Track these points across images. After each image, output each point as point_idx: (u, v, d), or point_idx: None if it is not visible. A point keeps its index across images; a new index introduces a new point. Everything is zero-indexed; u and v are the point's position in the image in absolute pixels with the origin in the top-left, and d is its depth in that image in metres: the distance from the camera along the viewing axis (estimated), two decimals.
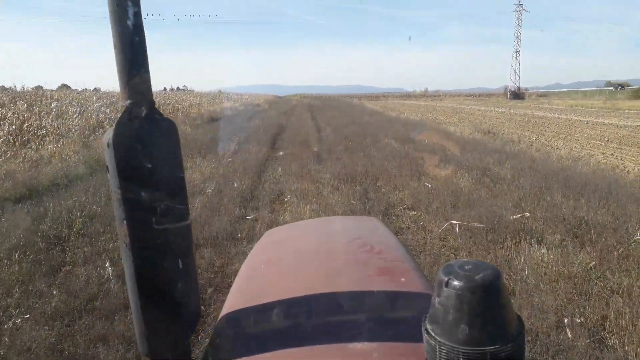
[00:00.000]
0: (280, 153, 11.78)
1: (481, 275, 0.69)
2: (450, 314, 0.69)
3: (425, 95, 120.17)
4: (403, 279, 1.25)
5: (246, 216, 6.40)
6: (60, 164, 9.09)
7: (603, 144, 12.99)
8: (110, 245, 4.84)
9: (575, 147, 12.41)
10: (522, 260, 4.34)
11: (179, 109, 24.25)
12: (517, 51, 72.53)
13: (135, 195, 0.76)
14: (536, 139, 14.18)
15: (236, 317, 1.17)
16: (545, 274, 4.05)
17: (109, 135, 0.74)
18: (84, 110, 15.21)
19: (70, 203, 6.33)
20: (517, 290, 3.74)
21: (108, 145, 0.74)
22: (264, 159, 11.05)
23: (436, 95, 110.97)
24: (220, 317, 1.21)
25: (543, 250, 4.51)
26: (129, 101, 0.75)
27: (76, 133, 12.76)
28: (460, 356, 0.68)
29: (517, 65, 71.38)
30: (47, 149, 10.34)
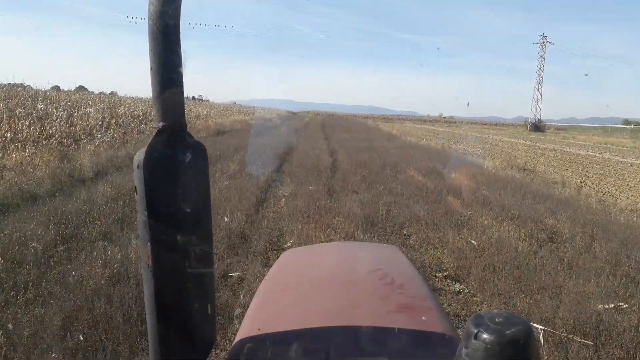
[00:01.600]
0: (283, 193, 10.07)
1: (512, 330, 0.65)
2: None
3: (440, 120, 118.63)
4: (424, 318, 1.19)
5: (230, 272, 4.73)
6: (17, 178, 7.48)
7: None
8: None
9: (632, 195, 10.56)
10: None
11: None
12: (539, 83, 70.45)
13: (161, 217, 0.74)
14: (581, 182, 12.36)
15: (250, 345, 1.13)
16: None
17: (140, 156, 0.73)
18: (71, 115, 13.71)
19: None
20: None
21: (138, 167, 0.73)
22: (266, 185, 9.37)
23: (451, 122, 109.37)
24: (234, 342, 1.17)
25: None
26: (161, 123, 0.73)
27: (57, 140, 11.24)
28: None
29: (539, 97, 69.38)
30: (12, 157, 8.75)
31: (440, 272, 5.04)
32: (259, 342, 1.13)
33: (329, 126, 37.90)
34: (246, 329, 1.22)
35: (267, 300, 1.43)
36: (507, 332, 0.65)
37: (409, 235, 6.36)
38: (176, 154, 0.75)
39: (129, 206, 6.66)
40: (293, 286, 1.52)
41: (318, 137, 21.93)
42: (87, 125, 13.43)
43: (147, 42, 0.72)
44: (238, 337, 1.18)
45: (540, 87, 69.75)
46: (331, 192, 8.65)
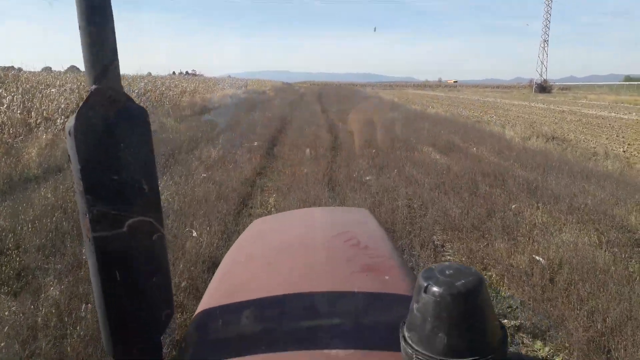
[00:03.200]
0: (273, 186, 8.33)
1: (462, 281, 0.64)
2: (428, 322, 0.65)
3: (440, 85, 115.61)
4: (387, 277, 1.20)
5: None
6: None
7: None
8: None
9: None
10: None
11: (167, 97, 20.75)
12: (545, 41, 66.72)
13: (99, 187, 0.71)
14: (625, 151, 10.58)
15: (210, 316, 1.11)
16: None
17: (70, 122, 0.68)
18: (31, 98, 11.82)
19: None
20: None
21: (69, 133, 0.68)
22: (252, 176, 7.63)
23: (452, 86, 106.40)
24: (195, 314, 1.16)
25: None
26: (94, 86, 0.69)
27: (7, 130, 9.43)
28: None
29: (545, 56, 65.97)
30: None
31: (507, 318, 3.36)
32: (219, 313, 1.11)
33: (326, 96, 35.72)
34: (207, 300, 1.20)
35: (230, 272, 1.40)
36: (457, 283, 0.64)
37: (442, 247, 4.67)
38: (111, 118, 0.72)
39: (71, 220, 4.91)
40: (259, 255, 1.49)
41: (315, 111, 19.98)
42: (48, 109, 11.56)
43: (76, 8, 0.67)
44: (199, 309, 1.15)
45: (546, 45, 66.39)
46: (333, 183, 6.90)
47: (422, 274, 0.67)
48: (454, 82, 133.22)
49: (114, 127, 0.72)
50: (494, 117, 18.22)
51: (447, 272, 0.66)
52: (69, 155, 0.69)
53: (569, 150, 10.44)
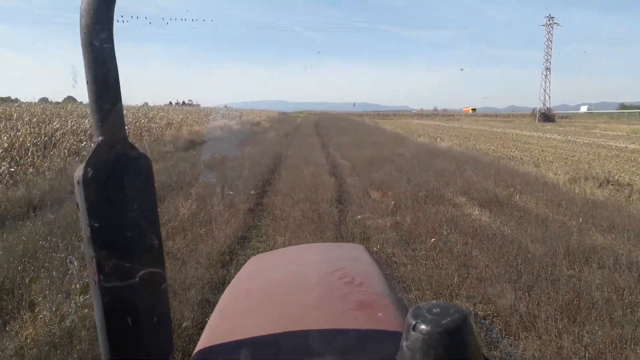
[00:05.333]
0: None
1: (448, 319, 0.67)
2: (417, 359, 0.67)
3: (437, 114, 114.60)
4: (380, 314, 1.21)
5: None
6: None
7: None
8: None
9: None
10: None
11: (148, 130, 18.59)
12: (547, 69, 64.53)
13: (106, 234, 0.74)
14: None
15: (209, 355, 1.12)
16: None
17: (79, 172, 0.73)
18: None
19: None
20: None
21: (78, 183, 0.72)
22: (230, 246, 5.41)
23: (449, 115, 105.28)
24: (194, 353, 1.16)
25: None
26: (100, 137, 0.72)
27: None
28: None
29: (548, 84, 63.87)
30: None
31: None
32: (217, 351, 1.12)
33: (324, 128, 33.72)
34: (206, 338, 1.21)
35: (229, 308, 1.41)
36: (443, 321, 0.66)
37: None
38: (117, 167, 0.75)
39: None
40: (255, 292, 1.49)
41: (313, 145, 17.82)
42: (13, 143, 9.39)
43: (81, 55, 0.70)
44: (198, 347, 1.17)
45: (548, 73, 64.49)
46: None
47: (411, 313, 0.70)
48: (472, 109, 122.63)
49: (119, 176, 0.74)
50: (517, 151, 16.07)
51: (434, 310, 0.69)
52: (77, 204, 0.72)
53: (635, 199, 8.23)
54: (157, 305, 0.82)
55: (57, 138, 12.51)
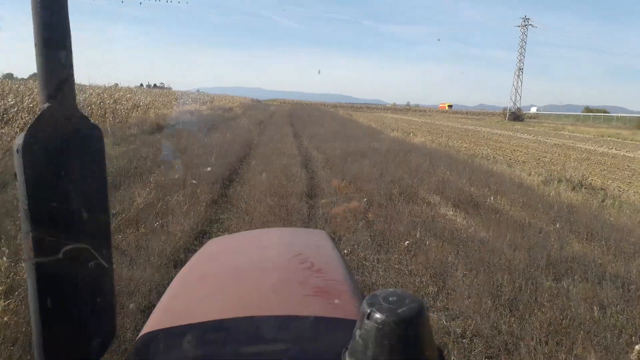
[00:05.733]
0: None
1: (404, 308, 0.66)
2: (370, 349, 0.66)
3: (409, 109, 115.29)
4: (337, 301, 1.19)
5: None
6: None
7: None
8: None
9: None
10: None
11: (112, 111, 17.66)
12: (520, 69, 65.57)
13: (44, 208, 0.67)
14: None
15: (154, 339, 1.07)
16: None
17: (19, 140, 0.66)
18: None
19: None
20: None
21: (17, 151, 0.65)
22: (187, 242, 4.95)
23: (421, 110, 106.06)
24: (138, 337, 1.11)
25: None
26: (47, 104, 0.67)
27: None
28: None
29: (520, 84, 64.81)
30: None
31: None
32: (161, 336, 1.07)
33: (297, 117, 33.13)
34: (153, 321, 1.15)
35: (180, 293, 1.34)
36: (399, 310, 0.65)
37: None
38: (63, 137, 0.69)
39: None
40: (210, 276, 1.43)
41: (286, 134, 17.29)
42: None
43: (31, 13, 0.65)
44: (144, 330, 1.11)
45: (521, 73, 65.32)
46: None
47: (366, 300, 0.68)
48: (449, 106, 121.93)
49: (65, 147, 0.69)
50: (489, 150, 16.01)
51: (390, 298, 0.68)
52: (15, 173, 0.67)
53: (617, 205, 8.13)
54: (100, 286, 0.77)
55: (11, 115, 11.60)
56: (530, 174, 10.66)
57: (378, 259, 4.77)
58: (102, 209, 0.76)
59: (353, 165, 10.03)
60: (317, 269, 1.37)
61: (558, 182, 9.78)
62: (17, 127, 10.64)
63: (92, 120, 0.74)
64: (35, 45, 0.65)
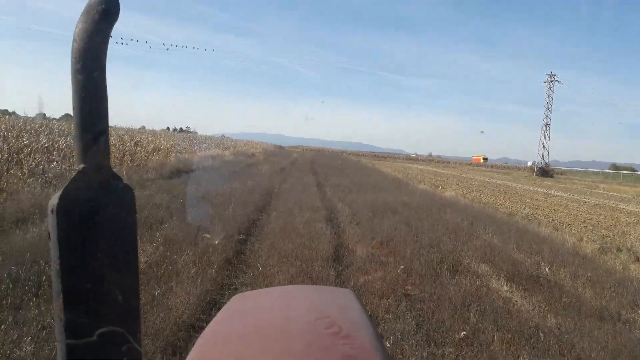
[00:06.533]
0: None
1: None
2: None
3: (432, 160, 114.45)
4: None
5: None
6: None
7: None
8: None
9: None
10: None
11: (131, 154, 17.25)
12: (547, 124, 64.29)
13: (76, 270, 0.67)
14: None
15: None
16: None
17: (54, 200, 0.66)
18: None
19: None
20: None
21: (52, 212, 0.66)
22: (189, 320, 4.01)
23: (445, 162, 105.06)
24: None
25: None
26: (82, 165, 0.68)
27: None
28: None
29: (547, 140, 63.42)
30: None
31: None
32: None
33: (320, 165, 32.54)
34: None
35: (207, 352, 1.22)
36: None
37: None
38: (97, 198, 0.70)
39: None
40: (233, 338, 1.30)
41: (308, 184, 16.48)
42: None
43: (70, 80, 0.67)
44: None
45: (548, 128, 63.98)
46: None
47: None
48: (484, 159, 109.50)
49: (98, 208, 0.69)
50: (527, 209, 14.84)
51: None
52: (49, 233, 0.67)
53: None
54: (127, 353, 0.72)
55: (23, 156, 11.13)
56: (581, 240, 9.48)
57: (428, 353, 3.73)
58: (131, 272, 0.73)
59: (383, 221, 9.06)
60: (345, 335, 1.22)
61: (617, 250, 8.59)
62: (27, 167, 10.10)
63: (125, 181, 0.73)
64: (73, 109, 0.66)
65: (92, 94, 0.66)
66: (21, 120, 19.49)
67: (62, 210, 0.64)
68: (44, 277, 4.43)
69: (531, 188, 27.39)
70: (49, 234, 0.66)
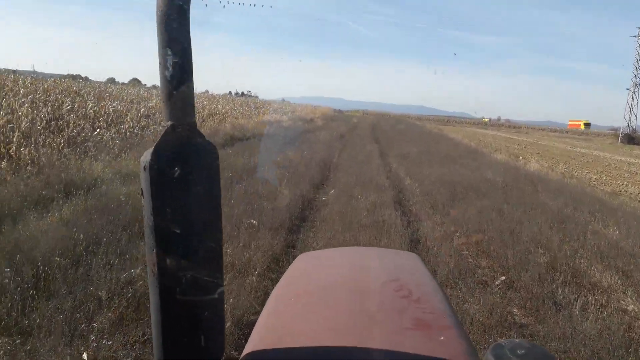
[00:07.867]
0: None
1: None
2: None
3: (501, 124, 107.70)
4: (442, 338, 1.09)
5: None
6: None
7: None
8: None
9: None
10: None
11: None
12: (635, 85, 56.45)
13: (168, 224, 0.71)
14: None
15: (259, 357, 1.07)
16: None
17: (146, 157, 0.70)
18: None
19: None
20: None
21: (145, 168, 0.69)
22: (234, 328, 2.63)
23: (517, 127, 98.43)
24: (243, 353, 1.09)
25: None
26: (170, 122, 0.70)
27: None
28: None
29: (636, 102, 55.78)
30: None
31: None
32: (268, 356, 1.06)
33: (382, 131, 30.62)
34: (256, 340, 1.15)
35: (277, 311, 1.33)
36: None
37: None
38: (185, 154, 0.71)
39: None
40: (305, 295, 1.40)
41: (371, 154, 14.88)
42: None
43: (156, 39, 0.68)
44: (247, 349, 1.12)
45: (637, 89, 56.28)
46: None
47: (491, 351, 0.66)
48: (586, 124, 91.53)
49: (187, 164, 0.71)
50: (632, 187, 12.47)
51: (518, 351, 0.65)
52: (141, 190, 0.69)
53: None
54: (212, 307, 0.78)
55: (65, 122, 10.41)
56: None
57: None
58: (216, 225, 0.76)
59: (464, 206, 7.42)
60: (416, 299, 1.26)
61: None
62: (68, 133, 9.32)
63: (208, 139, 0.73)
64: (160, 64, 0.66)
65: (178, 54, 0.66)
66: (81, 84, 19.24)
67: (154, 166, 0.67)
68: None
69: (622, 158, 24.06)
70: (141, 190, 0.69)
